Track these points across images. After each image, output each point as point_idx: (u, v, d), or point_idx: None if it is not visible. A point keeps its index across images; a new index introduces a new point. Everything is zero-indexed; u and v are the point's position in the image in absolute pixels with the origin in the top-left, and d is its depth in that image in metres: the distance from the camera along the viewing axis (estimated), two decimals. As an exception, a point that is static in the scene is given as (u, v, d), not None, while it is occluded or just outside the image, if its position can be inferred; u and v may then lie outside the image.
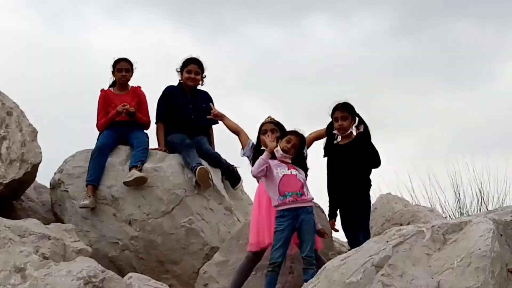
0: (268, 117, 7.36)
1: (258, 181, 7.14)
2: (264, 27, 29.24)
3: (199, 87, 9.01)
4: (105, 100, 8.87)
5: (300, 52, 27.58)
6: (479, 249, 5.17)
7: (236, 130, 7.85)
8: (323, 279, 5.44)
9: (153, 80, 9.20)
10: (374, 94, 24.59)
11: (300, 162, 6.95)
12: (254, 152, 7.22)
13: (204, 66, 8.99)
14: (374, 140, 7.30)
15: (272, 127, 7.15)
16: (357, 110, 7.37)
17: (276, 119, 7.36)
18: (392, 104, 25.38)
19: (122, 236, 8.12)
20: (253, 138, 7.46)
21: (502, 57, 26.81)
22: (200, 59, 8.99)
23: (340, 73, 26.21)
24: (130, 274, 6.44)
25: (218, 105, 8.66)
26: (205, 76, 9.00)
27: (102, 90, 8.99)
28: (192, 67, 8.89)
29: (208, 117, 8.39)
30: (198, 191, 8.19)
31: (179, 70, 8.94)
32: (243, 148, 7.61)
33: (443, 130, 23.11)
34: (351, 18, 29.45)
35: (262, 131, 7.26)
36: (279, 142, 6.84)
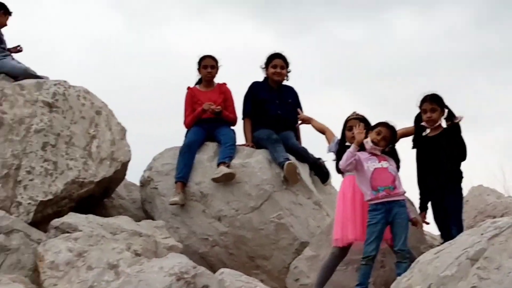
0: (353, 112, 7.27)
1: (342, 176, 7.07)
2: (346, 22, 29.08)
3: (284, 82, 8.99)
4: (192, 97, 8.98)
5: (383, 46, 27.36)
6: None
7: (322, 130, 7.84)
8: (416, 273, 5.38)
9: (239, 78, 9.23)
10: (459, 86, 24.14)
11: (391, 154, 6.86)
12: (339, 148, 7.16)
13: (288, 61, 8.98)
14: (464, 132, 7.15)
15: (357, 122, 7.05)
16: (446, 102, 7.23)
17: (361, 113, 7.26)
18: (479, 97, 24.85)
19: (212, 232, 8.21)
20: (339, 135, 7.40)
21: None
22: (284, 54, 8.99)
23: (424, 66, 25.83)
24: (221, 269, 6.52)
25: (302, 101, 8.67)
26: (289, 71, 9.00)
27: (189, 88, 9.10)
28: (277, 62, 8.92)
29: (297, 125, 8.58)
30: (286, 186, 8.22)
31: (264, 66, 8.95)
32: (329, 144, 7.57)
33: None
34: (433, 11, 28.97)
35: (347, 127, 7.17)
36: (369, 134, 6.77)
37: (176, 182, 8.38)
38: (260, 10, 30.14)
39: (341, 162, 6.73)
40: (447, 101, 7.24)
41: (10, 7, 9.55)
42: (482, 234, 5.35)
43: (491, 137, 20.72)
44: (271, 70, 8.88)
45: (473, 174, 9.32)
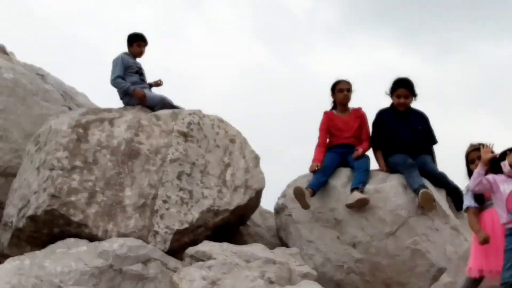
0: (470, 145, 7.09)
1: (481, 208, 6.91)
2: (493, 42, 28.31)
3: (413, 105, 8.95)
4: (328, 121, 9.11)
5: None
6: None
7: None
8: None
9: (383, 103, 9.14)
10: None
11: None
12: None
13: (413, 85, 8.91)
14: None
15: (477, 154, 6.84)
16: None
17: (476, 143, 7.05)
18: None
19: (347, 259, 8.26)
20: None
21: None
22: (409, 78, 8.95)
23: None
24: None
25: (448, 123, 8.57)
26: (416, 95, 8.91)
27: (325, 112, 9.21)
28: (401, 92, 8.88)
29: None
30: (422, 212, 8.09)
31: (388, 93, 8.91)
32: None
33: None
34: None
35: (469, 161, 7.01)
36: (508, 156, 6.59)
37: (306, 188, 8.47)
38: (404, 34, 29.93)
39: (469, 183, 6.61)
40: None
41: (148, 37, 9.97)
42: None
43: None
44: (396, 99, 8.85)
45: None
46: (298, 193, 8.36)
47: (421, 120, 8.97)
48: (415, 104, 9.02)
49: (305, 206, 8.36)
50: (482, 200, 6.87)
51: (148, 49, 10.04)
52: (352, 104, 9.28)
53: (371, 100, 9.24)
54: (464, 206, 7.07)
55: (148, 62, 10.18)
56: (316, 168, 8.70)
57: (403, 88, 8.88)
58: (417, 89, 8.95)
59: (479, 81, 26.83)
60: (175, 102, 9.65)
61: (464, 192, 7.26)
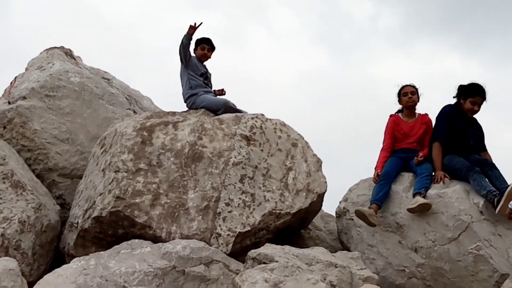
0: None
1: None
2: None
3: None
4: (394, 125, 9.17)
5: None
6: None
7: None
8: None
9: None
10: None
11: None
12: None
13: (486, 92, 8.83)
14: None
15: None
16: None
17: None
18: None
19: (408, 264, 8.28)
20: None
21: None
22: (484, 86, 8.85)
23: None
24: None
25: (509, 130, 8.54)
26: (485, 100, 8.86)
27: (391, 115, 9.26)
28: (478, 100, 8.83)
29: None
30: (485, 217, 8.04)
31: (461, 96, 8.91)
32: None
33: None
34: None
35: None
36: None
37: (371, 204, 8.50)
38: (466, 39, 29.68)
39: None
40: None
41: (215, 43, 10.19)
42: None
43: None
44: (470, 105, 8.82)
45: None
46: (360, 216, 8.43)
47: (478, 126, 9.02)
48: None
49: (371, 225, 8.42)
50: None
51: (215, 55, 10.23)
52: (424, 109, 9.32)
53: (432, 106, 9.22)
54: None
55: (213, 69, 10.36)
56: (376, 178, 8.77)
57: (481, 96, 8.83)
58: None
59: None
60: (238, 106, 9.79)
61: None
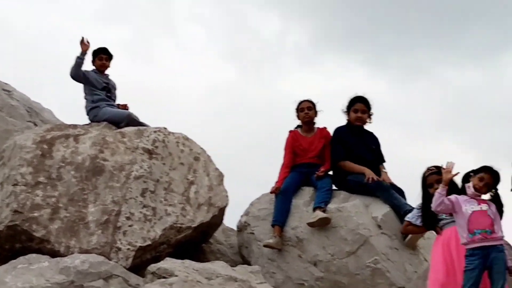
0: (427, 169, 7.21)
1: (435, 230, 7.06)
2: (458, 67, 28.82)
3: (367, 126, 9.12)
4: (293, 141, 9.18)
5: (497, 90, 26.93)
6: None
7: None
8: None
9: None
10: None
11: (494, 199, 6.75)
12: (424, 205, 7.10)
13: (370, 104, 9.01)
14: None
15: (437, 177, 6.96)
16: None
17: (434, 166, 7.22)
18: None
19: (307, 277, 8.32)
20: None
21: None
22: (367, 97, 9.05)
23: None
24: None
25: (412, 146, 8.68)
26: (372, 114, 8.99)
27: (291, 131, 9.27)
28: (359, 106, 9.02)
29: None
30: (383, 231, 8.14)
31: (345, 110, 8.97)
32: None
33: None
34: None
35: (427, 184, 7.10)
36: (471, 179, 6.70)
37: (273, 226, 8.51)
38: (372, 57, 30.33)
39: (432, 205, 6.68)
40: None
41: (112, 51, 10.05)
42: None
43: None
44: (353, 114, 8.94)
45: None
46: (268, 247, 8.42)
47: (374, 139, 9.13)
48: (370, 127, 9.18)
49: (277, 248, 8.44)
50: (434, 221, 6.98)
51: (120, 68, 10.09)
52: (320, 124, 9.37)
53: (337, 121, 9.29)
54: (407, 218, 7.26)
55: (120, 83, 10.21)
56: (275, 191, 8.79)
57: (360, 102, 8.99)
58: (373, 108, 9.09)
59: (442, 106, 27.26)
60: (144, 120, 9.67)
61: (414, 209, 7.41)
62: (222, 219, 9.28)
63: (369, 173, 8.57)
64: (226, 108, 26.43)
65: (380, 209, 8.41)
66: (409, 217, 7.46)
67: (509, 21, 28.97)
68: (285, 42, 29.91)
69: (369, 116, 9.06)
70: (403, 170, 9.15)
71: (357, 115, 8.97)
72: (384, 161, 9.10)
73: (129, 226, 8.30)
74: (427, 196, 7.07)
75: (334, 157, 8.93)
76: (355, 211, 8.34)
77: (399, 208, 8.31)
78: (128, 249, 8.16)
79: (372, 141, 9.08)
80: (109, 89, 9.93)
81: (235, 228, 9.29)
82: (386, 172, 8.87)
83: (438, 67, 29.92)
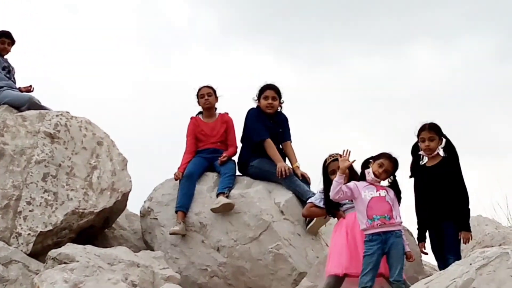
0: (329, 156, 7.27)
1: (336, 217, 7.15)
2: (366, 56, 29.32)
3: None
4: (194, 127, 9.11)
5: (403, 79, 27.56)
6: None
7: None
8: (408, 303, 5.40)
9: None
10: (478, 119, 24.19)
11: (393, 185, 6.87)
12: (325, 192, 7.16)
13: (281, 91, 9.04)
14: (469, 163, 7.15)
15: (337, 164, 7.03)
16: (445, 132, 7.28)
17: (335, 153, 7.24)
18: (497, 128, 24.85)
19: (210, 263, 8.32)
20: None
21: None
22: (277, 85, 9.06)
23: (445, 99, 25.97)
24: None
25: (319, 133, 8.73)
26: (282, 102, 9.02)
27: (192, 118, 9.24)
28: (269, 93, 9.00)
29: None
30: (286, 216, 8.20)
31: (256, 98, 9.03)
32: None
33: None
34: (454, 44, 29.21)
35: (329, 172, 7.17)
36: (371, 165, 6.78)
37: (176, 212, 8.49)
38: (280, 44, 30.53)
39: (330, 193, 6.74)
40: (458, 133, 7.28)
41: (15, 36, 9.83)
42: (470, 264, 5.42)
43: (501, 168, 20.61)
44: (263, 102, 8.94)
45: (478, 204, 9.32)
46: (173, 233, 8.39)
47: (282, 123, 9.08)
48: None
49: (181, 234, 8.42)
50: (337, 207, 7.07)
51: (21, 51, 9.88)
52: (223, 109, 9.37)
53: (245, 105, 9.28)
54: (310, 200, 7.34)
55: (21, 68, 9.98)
56: (178, 176, 8.75)
57: (270, 89, 8.99)
58: (284, 96, 9.10)
59: (350, 94, 27.68)
60: (44, 103, 9.45)
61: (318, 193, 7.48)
62: (125, 204, 9.21)
63: (281, 166, 8.59)
64: (131, 92, 26.14)
65: (283, 195, 8.50)
66: (312, 199, 7.50)
67: (415, 14, 29.54)
68: (195, 28, 29.74)
69: (280, 104, 9.10)
70: (311, 158, 9.16)
71: (268, 102, 8.94)
72: (289, 139, 9.06)
73: (30, 211, 8.17)
74: (329, 183, 7.13)
75: (256, 136, 8.82)
76: (258, 197, 8.38)
77: (301, 195, 8.41)
78: (29, 234, 8.03)
79: (280, 124, 9.03)
80: (9, 70, 9.74)
81: (138, 213, 9.20)
82: (298, 167, 8.86)
83: (346, 56, 30.39)
